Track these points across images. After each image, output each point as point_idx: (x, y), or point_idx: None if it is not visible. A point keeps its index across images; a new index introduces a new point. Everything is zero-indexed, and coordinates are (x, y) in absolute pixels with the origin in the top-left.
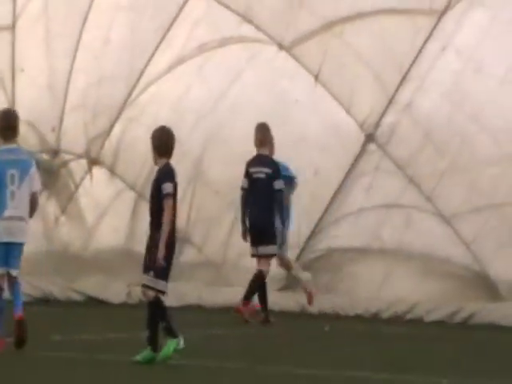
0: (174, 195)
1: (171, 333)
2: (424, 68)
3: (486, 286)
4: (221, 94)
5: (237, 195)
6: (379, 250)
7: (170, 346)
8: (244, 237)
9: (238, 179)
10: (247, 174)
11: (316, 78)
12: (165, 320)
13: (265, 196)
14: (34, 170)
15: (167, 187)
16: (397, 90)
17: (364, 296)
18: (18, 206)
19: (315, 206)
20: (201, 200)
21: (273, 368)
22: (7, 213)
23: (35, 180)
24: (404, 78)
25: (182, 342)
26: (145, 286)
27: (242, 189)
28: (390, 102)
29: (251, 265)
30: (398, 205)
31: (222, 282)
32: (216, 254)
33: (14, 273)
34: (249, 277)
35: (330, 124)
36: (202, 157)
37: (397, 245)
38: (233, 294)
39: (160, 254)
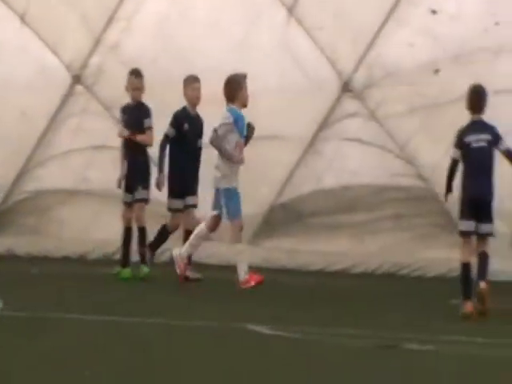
0: None
1: None
2: (130, 9)
3: None
4: None
5: None
6: (87, 192)
7: None
8: None
9: None
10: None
11: (22, 19)
12: None
13: None
14: None
15: None
16: (104, 30)
17: (71, 238)
18: None
19: (22, 147)
20: None
21: None
22: None
23: None
24: (111, 19)
25: None
26: None
27: None
28: (97, 42)
29: None
30: (105, 146)
31: None
32: None
33: None
34: None
35: (37, 65)
36: None
37: (105, 186)
38: None
39: None
